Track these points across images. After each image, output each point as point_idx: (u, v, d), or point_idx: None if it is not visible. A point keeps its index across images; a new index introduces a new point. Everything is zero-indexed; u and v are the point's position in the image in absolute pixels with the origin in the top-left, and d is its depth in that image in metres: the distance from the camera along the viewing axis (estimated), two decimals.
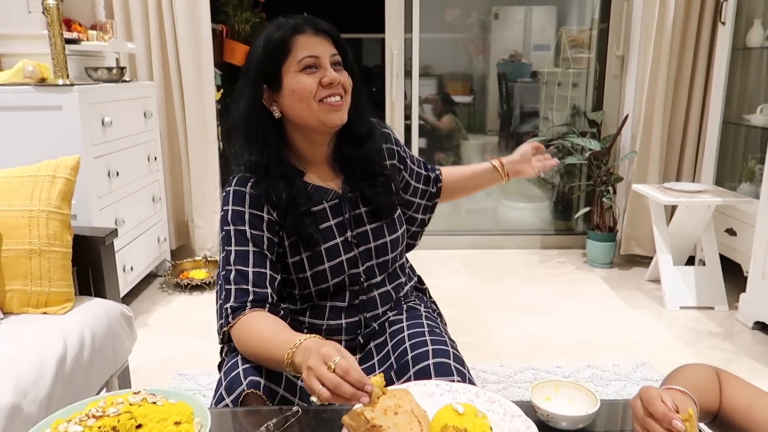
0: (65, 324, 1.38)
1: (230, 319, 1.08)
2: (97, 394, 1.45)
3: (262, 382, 1.03)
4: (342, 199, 1.20)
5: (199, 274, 2.94)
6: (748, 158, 2.92)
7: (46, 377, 1.23)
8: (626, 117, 3.13)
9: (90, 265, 1.57)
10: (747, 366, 2.16)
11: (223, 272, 1.12)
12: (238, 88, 1.17)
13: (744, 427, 0.88)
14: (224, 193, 1.17)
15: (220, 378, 1.07)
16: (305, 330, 1.20)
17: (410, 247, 1.40)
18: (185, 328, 2.46)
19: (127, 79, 2.70)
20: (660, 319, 2.56)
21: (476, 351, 2.27)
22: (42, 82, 2.23)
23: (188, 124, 2.99)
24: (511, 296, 2.82)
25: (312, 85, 1.11)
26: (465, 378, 1.07)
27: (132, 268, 2.54)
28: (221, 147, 3.12)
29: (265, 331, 1.03)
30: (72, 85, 2.16)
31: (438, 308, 1.40)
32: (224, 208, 1.16)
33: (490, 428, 0.85)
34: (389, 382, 1.09)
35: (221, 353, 1.25)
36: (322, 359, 0.86)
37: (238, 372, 1.04)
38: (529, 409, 0.94)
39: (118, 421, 0.78)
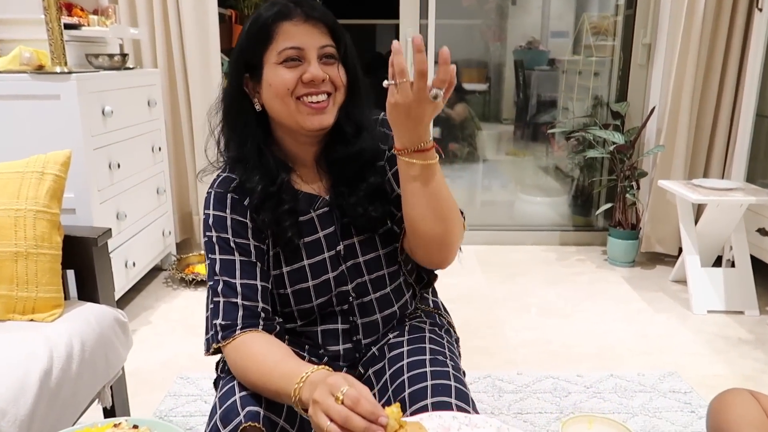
0: (52, 333, 1.28)
1: (219, 337, 0.98)
2: (87, 407, 1.36)
3: (262, 412, 0.92)
4: (332, 207, 1.07)
5: (205, 269, 2.84)
6: None
7: (28, 394, 1.13)
8: (653, 109, 2.97)
9: (82, 267, 1.47)
10: None
11: (211, 282, 1.02)
12: (227, 71, 1.05)
13: None
14: (206, 195, 1.06)
15: (215, 404, 0.97)
16: (307, 349, 1.09)
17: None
18: (189, 327, 2.37)
19: (130, 67, 2.59)
20: (686, 323, 2.43)
21: (492, 357, 2.16)
22: (39, 69, 2.13)
23: (194, 114, 2.88)
24: (527, 296, 2.70)
25: (290, 80, 0.97)
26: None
27: (134, 264, 2.45)
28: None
29: (266, 359, 0.92)
30: (70, 72, 2.06)
31: (449, 320, 1.25)
32: (205, 211, 1.05)
33: None
34: None
35: (217, 368, 1.16)
36: (328, 390, 0.77)
37: (235, 400, 0.94)
38: None
39: None
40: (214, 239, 1.02)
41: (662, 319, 2.47)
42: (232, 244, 1.01)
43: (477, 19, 3.66)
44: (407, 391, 0.97)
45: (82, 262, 1.46)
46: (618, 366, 2.10)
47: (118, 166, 2.33)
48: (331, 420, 0.75)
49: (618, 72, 3.33)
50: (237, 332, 0.96)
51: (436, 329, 1.14)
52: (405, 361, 1.03)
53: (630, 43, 3.18)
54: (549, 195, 3.70)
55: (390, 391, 1.01)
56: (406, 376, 1.00)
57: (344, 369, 1.08)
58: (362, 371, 1.10)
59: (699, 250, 2.59)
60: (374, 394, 1.04)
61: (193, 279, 2.74)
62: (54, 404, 1.20)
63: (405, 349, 1.06)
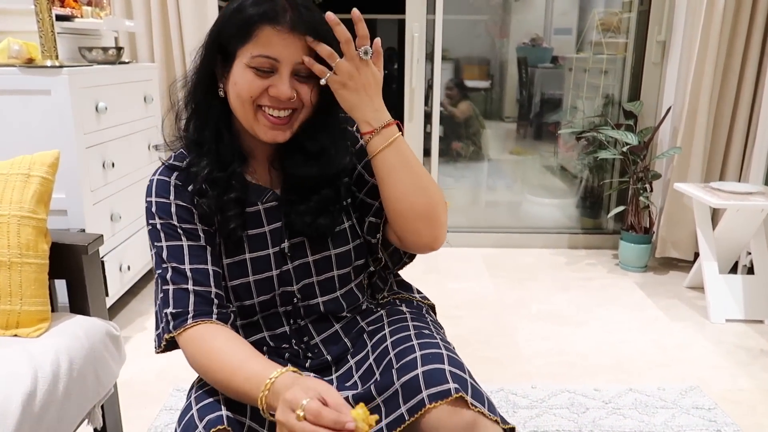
0: (37, 350, 1.18)
1: (171, 327, 0.91)
2: (77, 428, 1.25)
3: (224, 414, 0.87)
4: (281, 202, 1.01)
5: None
6: None
7: (9, 421, 1.03)
8: (669, 109, 2.87)
9: (71, 277, 1.36)
10: None
11: (159, 271, 0.95)
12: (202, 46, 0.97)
13: None
14: (148, 182, 0.99)
15: (174, 428, 0.91)
16: (265, 350, 1.03)
17: (399, 262, 1.13)
18: None
19: (126, 61, 2.48)
20: (704, 333, 2.33)
21: (505, 369, 2.06)
22: (29, 63, 2.02)
23: None
24: (538, 303, 2.60)
25: (255, 88, 0.91)
26: (466, 385, 0.86)
27: (129, 268, 2.34)
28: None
29: (230, 359, 0.86)
30: (62, 66, 1.95)
31: (428, 302, 1.19)
32: (147, 199, 0.98)
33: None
34: (368, 399, 0.90)
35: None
36: (288, 407, 0.75)
37: (192, 414, 0.88)
38: None
39: None
40: (158, 226, 0.96)
41: (679, 328, 2.37)
42: (179, 230, 0.95)
43: (483, 14, 3.57)
44: (395, 366, 0.91)
45: (71, 271, 1.35)
46: (636, 379, 2.00)
47: (113, 165, 2.22)
48: None
49: (630, 70, 3.23)
50: (189, 321, 0.91)
51: (415, 310, 1.10)
52: (389, 341, 0.98)
53: (643, 41, 3.08)
54: (556, 196, 3.60)
55: (377, 373, 0.95)
56: (392, 353, 0.94)
57: (309, 361, 1.03)
58: (335, 359, 1.05)
59: (716, 256, 2.49)
60: (355, 382, 0.98)
61: None
62: (37, 430, 1.09)
63: (387, 330, 1.01)
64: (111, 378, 1.37)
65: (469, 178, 3.67)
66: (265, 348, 1.03)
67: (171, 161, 1.00)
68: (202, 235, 0.96)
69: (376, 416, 0.77)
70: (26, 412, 1.07)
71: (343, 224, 1.03)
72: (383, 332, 1.01)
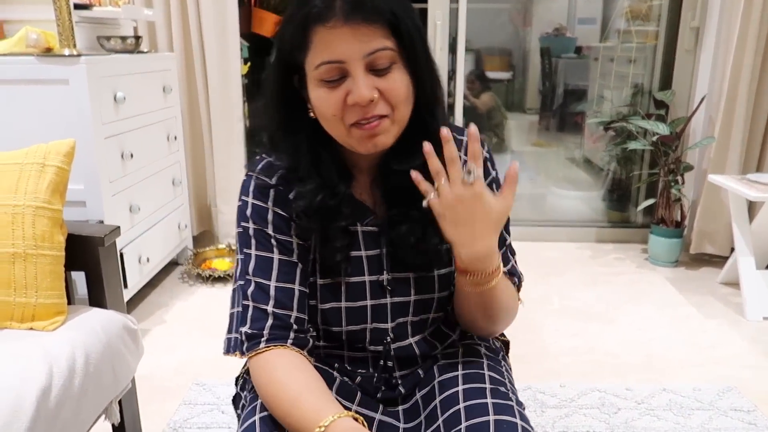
0: (53, 344, 1.14)
1: (244, 348, 0.86)
2: (92, 425, 1.22)
3: None
4: (382, 228, 0.90)
5: (223, 265, 2.71)
6: None
7: (23, 418, 0.99)
8: (703, 98, 2.76)
9: (88, 269, 1.33)
10: None
11: (242, 282, 0.88)
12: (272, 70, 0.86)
13: None
14: (244, 178, 0.91)
15: (238, 426, 0.87)
16: (336, 367, 0.95)
17: None
18: (205, 327, 2.23)
19: (144, 50, 2.45)
20: (740, 331, 2.23)
21: (532, 366, 1.99)
22: (47, 52, 1.99)
23: (212, 101, 2.73)
24: (564, 298, 2.52)
25: (333, 105, 0.78)
26: None
27: (149, 260, 2.32)
28: (248, 125, 2.87)
29: (287, 390, 0.80)
30: (79, 55, 1.92)
31: (504, 339, 1.10)
32: (242, 197, 0.90)
33: None
34: None
35: (236, 383, 1.03)
36: None
37: (254, 421, 0.84)
38: None
39: None
40: (251, 231, 0.88)
41: (713, 325, 2.28)
42: (272, 241, 0.87)
43: (506, 3, 3.48)
44: (464, 423, 0.82)
45: (88, 263, 1.32)
46: (669, 378, 1.92)
47: (131, 155, 2.19)
48: None
49: (662, 58, 3.11)
50: (262, 344, 0.85)
51: (493, 354, 0.98)
52: (460, 387, 0.88)
53: (675, 28, 2.97)
54: (582, 189, 3.50)
55: (440, 420, 0.86)
56: (462, 405, 0.85)
57: (381, 392, 0.95)
58: (406, 392, 0.96)
59: (753, 251, 2.39)
60: (420, 422, 0.90)
61: (210, 275, 2.60)
62: (53, 426, 1.06)
63: (460, 372, 0.91)
64: (128, 372, 1.34)
65: None
66: (336, 375, 0.94)
67: (271, 159, 0.90)
68: (296, 249, 0.87)
69: None
70: (41, 408, 1.03)
71: (446, 244, 0.88)
72: (456, 373, 0.91)
